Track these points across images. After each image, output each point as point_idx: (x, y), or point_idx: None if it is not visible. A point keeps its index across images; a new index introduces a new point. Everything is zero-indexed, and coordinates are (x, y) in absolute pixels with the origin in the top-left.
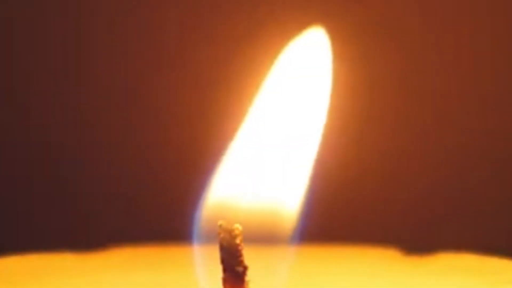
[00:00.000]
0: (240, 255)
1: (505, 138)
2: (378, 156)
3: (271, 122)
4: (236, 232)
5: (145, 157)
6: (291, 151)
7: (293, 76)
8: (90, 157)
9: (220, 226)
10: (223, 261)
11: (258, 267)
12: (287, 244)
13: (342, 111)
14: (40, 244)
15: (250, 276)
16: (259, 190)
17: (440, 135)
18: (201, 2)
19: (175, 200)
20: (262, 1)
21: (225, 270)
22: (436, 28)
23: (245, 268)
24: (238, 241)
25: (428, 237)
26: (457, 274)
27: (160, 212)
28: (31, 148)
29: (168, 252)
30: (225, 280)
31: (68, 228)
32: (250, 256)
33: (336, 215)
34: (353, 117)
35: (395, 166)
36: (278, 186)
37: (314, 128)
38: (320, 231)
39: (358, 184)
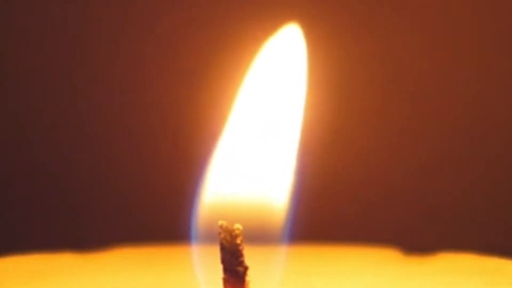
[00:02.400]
0: (241, 255)
1: (505, 138)
2: (378, 155)
3: (253, 121)
4: (237, 232)
5: (145, 156)
6: (275, 148)
7: (270, 75)
8: (90, 157)
9: (221, 226)
10: (223, 261)
11: (253, 267)
12: (279, 242)
13: (320, 108)
14: (40, 244)
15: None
16: (250, 186)
17: (439, 134)
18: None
19: (175, 200)
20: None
21: (225, 270)
22: (413, 25)
23: (246, 268)
24: (238, 241)
25: (428, 237)
26: (457, 274)
27: (160, 212)
28: (31, 148)
29: (168, 252)
30: (225, 280)
31: (68, 228)
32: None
33: (336, 215)
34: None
35: (395, 166)
36: (267, 182)
37: (294, 126)
38: (319, 230)
39: (357, 184)
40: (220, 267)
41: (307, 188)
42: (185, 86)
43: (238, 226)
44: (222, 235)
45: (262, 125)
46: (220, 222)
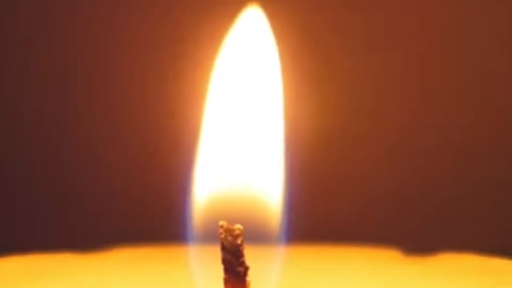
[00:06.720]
0: (242, 256)
1: (505, 139)
2: (378, 154)
3: (232, 112)
4: (238, 232)
5: (144, 156)
6: (259, 140)
7: (241, 62)
8: (90, 157)
9: (222, 226)
10: (224, 262)
11: (253, 266)
12: (276, 242)
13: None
14: (40, 244)
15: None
16: (240, 182)
17: (439, 133)
18: None
19: (174, 200)
20: None
21: (226, 270)
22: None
23: (247, 268)
24: (239, 241)
25: (428, 237)
26: (457, 274)
27: (160, 212)
28: (31, 148)
29: (168, 252)
30: (226, 281)
31: (68, 228)
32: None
33: (336, 215)
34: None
35: (395, 166)
36: (256, 176)
37: (275, 116)
38: (319, 231)
39: (358, 184)
40: (219, 267)
41: (306, 187)
42: (157, 81)
43: (238, 226)
44: (223, 235)
45: (241, 116)
46: (220, 223)
